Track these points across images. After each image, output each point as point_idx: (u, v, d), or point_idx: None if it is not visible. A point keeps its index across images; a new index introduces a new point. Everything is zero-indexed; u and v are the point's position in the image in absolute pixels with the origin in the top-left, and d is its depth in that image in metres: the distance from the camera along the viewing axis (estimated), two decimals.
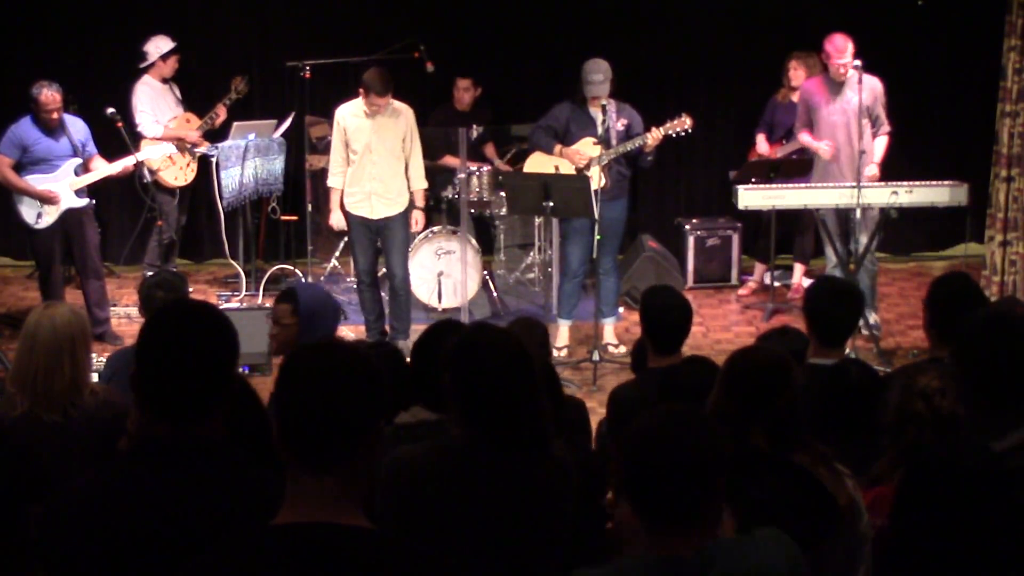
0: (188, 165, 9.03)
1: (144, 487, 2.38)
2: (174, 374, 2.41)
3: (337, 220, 7.86)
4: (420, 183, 7.87)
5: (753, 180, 8.32)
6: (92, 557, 2.36)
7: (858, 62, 7.73)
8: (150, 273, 8.15)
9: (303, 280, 9.03)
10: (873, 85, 7.98)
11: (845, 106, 7.95)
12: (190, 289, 9.33)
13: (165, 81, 9.10)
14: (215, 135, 9.16)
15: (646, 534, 2.44)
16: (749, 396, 3.12)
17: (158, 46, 9.00)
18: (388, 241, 7.78)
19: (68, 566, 2.37)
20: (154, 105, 8.95)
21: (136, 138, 8.63)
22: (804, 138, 8.23)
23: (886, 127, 8.07)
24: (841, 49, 7.85)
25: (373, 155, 7.64)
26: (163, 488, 2.37)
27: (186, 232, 10.29)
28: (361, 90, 7.56)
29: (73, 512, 2.40)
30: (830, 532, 2.99)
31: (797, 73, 8.89)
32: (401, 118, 7.67)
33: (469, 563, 2.74)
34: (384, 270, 8.15)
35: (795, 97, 8.94)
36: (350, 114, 7.67)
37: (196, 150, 9.05)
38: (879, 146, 8.06)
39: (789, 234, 9.28)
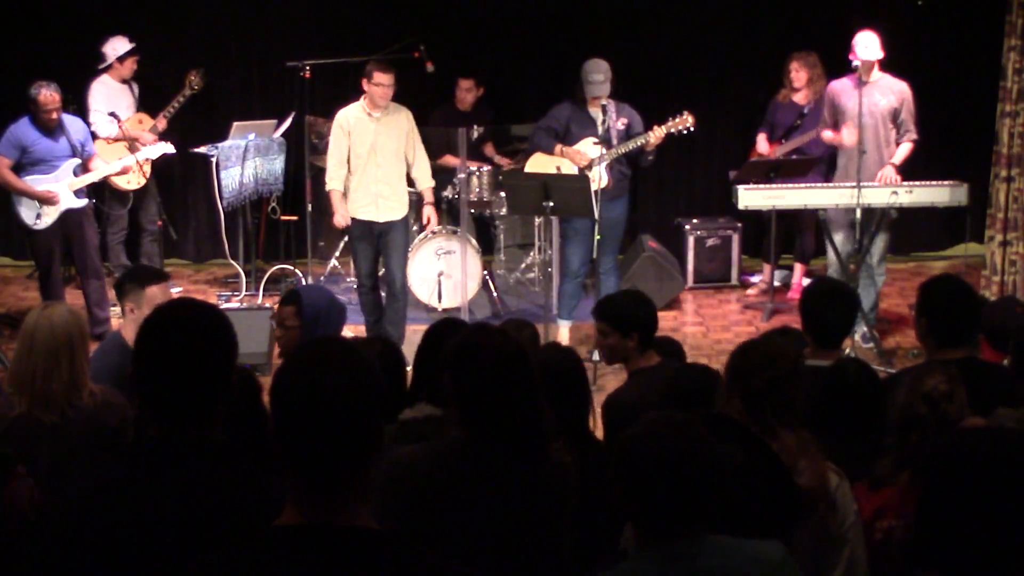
0: (141, 168, 8.77)
1: (143, 487, 2.38)
2: (172, 374, 2.41)
3: (341, 218, 7.74)
4: (428, 181, 7.83)
5: (753, 180, 8.31)
6: (91, 557, 2.35)
7: (858, 62, 7.69)
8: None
9: (303, 281, 9.01)
10: (901, 89, 7.91)
11: (872, 108, 7.80)
12: (179, 288, 9.35)
13: (124, 82, 9.02)
14: (214, 135, 9.11)
15: (640, 537, 2.50)
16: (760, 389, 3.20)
17: (115, 47, 8.90)
18: (389, 245, 7.70)
19: (68, 566, 2.37)
20: (109, 104, 8.80)
21: (92, 137, 8.39)
22: (826, 134, 8.11)
23: (911, 135, 7.93)
24: (867, 46, 7.70)
25: (378, 157, 7.57)
26: (162, 488, 2.37)
27: (186, 232, 10.30)
28: (364, 81, 7.46)
29: (73, 512, 2.40)
30: (782, 505, 2.97)
31: (799, 75, 8.87)
32: (402, 118, 7.63)
33: (469, 564, 2.73)
34: (382, 272, 8.11)
35: (796, 97, 8.93)
36: (353, 117, 7.57)
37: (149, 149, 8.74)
38: (900, 152, 7.94)
39: (792, 234, 9.29)
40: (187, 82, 9.07)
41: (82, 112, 8.58)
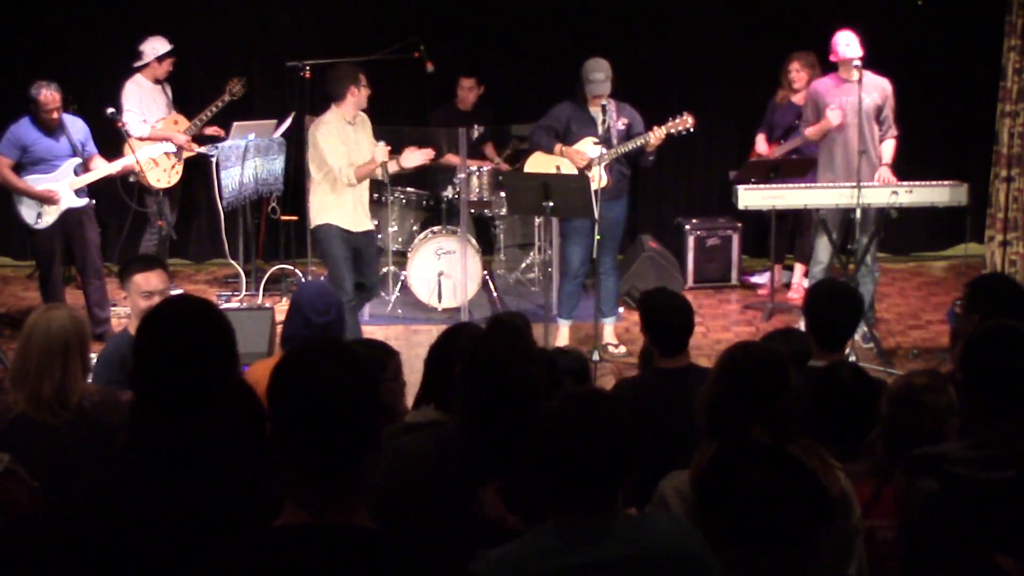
0: (173, 168, 8.80)
1: (144, 484, 2.38)
2: (171, 370, 2.42)
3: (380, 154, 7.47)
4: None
5: (753, 180, 8.31)
6: (91, 554, 2.35)
7: (858, 61, 7.71)
8: None
9: (303, 281, 9.01)
10: (883, 86, 7.93)
11: (856, 106, 7.82)
12: (179, 289, 9.34)
13: (158, 82, 9.04)
14: (206, 137, 9.10)
15: (548, 512, 2.51)
16: (750, 391, 3.14)
17: (154, 47, 8.93)
18: (369, 253, 7.64)
19: (70, 564, 2.37)
20: (142, 105, 8.83)
21: (122, 137, 8.49)
22: (808, 131, 8.10)
23: (893, 131, 7.97)
24: (848, 44, 7.76)
25: (358, 165, 7.46)
26: (162, 485, 2.37)
27: (186, 232, 10.30)
28: (352, 88, 7.27)
29: (72, 510, 2.40)
30: (823, 523, 3.00)
31: (800, 75, 8.86)
32: (368, 124, 7.58)
33: (467, 556, 2.74)
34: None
35: (794, 98, 8.93)
36: (336, 126, 7.36)
37: (183, 153, 8.86)
38: (887, 149, 7.96)
39: (793, 234, 9.29)
40: (227, 89, 9.07)
41: (116, 107, 8.52)
